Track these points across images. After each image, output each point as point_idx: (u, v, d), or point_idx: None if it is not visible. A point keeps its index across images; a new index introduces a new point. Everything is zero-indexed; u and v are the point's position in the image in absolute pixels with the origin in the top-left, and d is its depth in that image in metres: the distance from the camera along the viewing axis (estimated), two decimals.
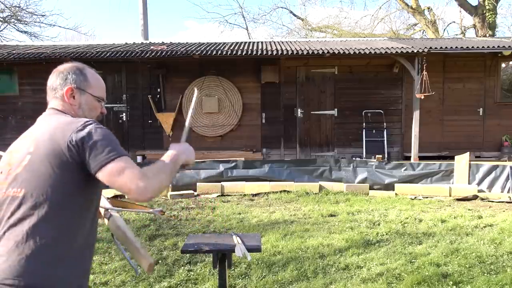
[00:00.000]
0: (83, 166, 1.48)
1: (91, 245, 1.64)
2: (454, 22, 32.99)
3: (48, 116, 1.63)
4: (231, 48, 10.00)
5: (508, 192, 7.41)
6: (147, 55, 9.42)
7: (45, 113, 1.66)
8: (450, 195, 7.49)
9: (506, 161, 9.32)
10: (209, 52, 9.45)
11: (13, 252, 1.41)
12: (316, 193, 7.59)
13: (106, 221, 1.93)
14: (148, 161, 9.58)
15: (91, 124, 1.52)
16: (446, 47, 9.51)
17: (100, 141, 1.48)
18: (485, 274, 3.88)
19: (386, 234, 5.12)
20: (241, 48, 10.05)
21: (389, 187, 7.90)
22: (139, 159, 10.01)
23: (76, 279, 1.52)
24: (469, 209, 6.49)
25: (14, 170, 1.51)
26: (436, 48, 9.42)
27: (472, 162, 7.99)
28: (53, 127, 1.53)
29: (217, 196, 7.57)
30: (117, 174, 1.46)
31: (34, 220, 1.45)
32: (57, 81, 1.67)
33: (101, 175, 1.47)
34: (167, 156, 1.63)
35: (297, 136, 10.50)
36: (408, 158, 9.61)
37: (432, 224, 5.59)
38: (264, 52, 9.60)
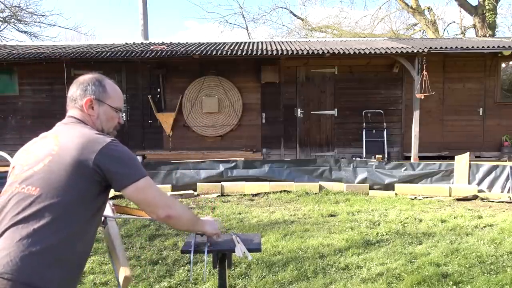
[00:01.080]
0: (103, 182, 1.58)
1: (88, 253, 1.68)
2: (454, 22, 33.04)
3: (70, 124, 1.69)
4: (231, 48, 10.00)
5: (508, 192, 7.41)
6: (147, 55, 9.42)
7: (65, 121, 1.72)
8: (450, 195, 7.49)
9: (506, 161, 9.32)
10: (209, 52, 9.45)
11: (17, 247, 1.42)
12: (316, 193, 7.59)
13: (101, 228, 1.95)
14: (148, 161, 9.58)
15: (115, 144, 1.61)
16: (446, 47, 9.51)
17: (124, 161, 1.59)
18: (485, 274, 3.88)
19: (386, 234, 5.12)
20: (241, 48, 10.05)
21: (389, 187, 7.91)
22: (139, 159, 9.99)
23: (71, 283, 1.55)
24: (469, 209, 6.48)
25: (32, 167, 1.55)
26: (436, 48, 9.42)
27: (472, 162, 8.00)
28: (78, 137, 1.59)
29: (217, 196, 7.57)
30: (144, 191, 1.62)
31: (44, 220, 1.47)
32: (77, 92, 1.73)
33: (128, 192, 1.60)
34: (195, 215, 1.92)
35: (297, 136, 10.50)
36: (408, 158, 9.61)
37: (432, 224, 5.58)
38: (264, 52, 9.60)
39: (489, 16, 17.60)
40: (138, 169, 1.62)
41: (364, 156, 9.91)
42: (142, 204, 1.66)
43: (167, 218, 1.68)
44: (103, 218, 1.94)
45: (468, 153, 8.11)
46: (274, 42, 11.85)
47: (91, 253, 4.52)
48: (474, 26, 18.73)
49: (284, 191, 7.70)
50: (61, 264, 1.49)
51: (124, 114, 10.50)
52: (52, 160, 1.53)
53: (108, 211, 1.97)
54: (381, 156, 9.45)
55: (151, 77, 10.42)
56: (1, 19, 20.40)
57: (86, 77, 1.75)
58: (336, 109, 10.44)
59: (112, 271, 4.08)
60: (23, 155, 1.64)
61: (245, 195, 7.62)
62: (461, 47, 9.60)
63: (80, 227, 1.55)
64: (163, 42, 11.95)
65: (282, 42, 11.84)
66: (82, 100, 1.71)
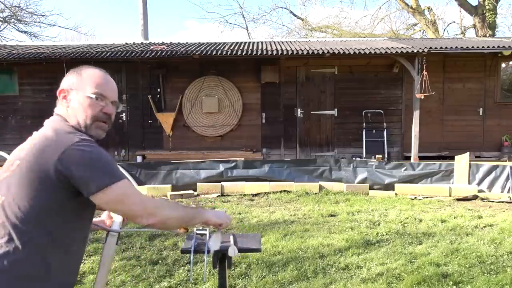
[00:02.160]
0: (72, 188, 1.39)
1: (75, 264, 1.52)
2: (454, 22, 33.01)
3: (48, 122, 1.55)
4: (231, 48, 10.00)
5: (508, 192, 7.41)
6: (147, 55, 9.42)
7: (50, 118, 1.60)
8: (450, 195, 7.49)
9: (506, 161, 9.31)
10: (209, 52, 9.45)
11: None
12: (316, 193, 7.59)
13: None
14: (148, 161, 9.59)
15: (82, 144, 1.40)
16: (446, 47, 9.51)
17: (91, 164, 1.38)
18: (485, 274, 3.88)
19: (386, 234, 5.12)
20: (241, 48, 10.05)
21: (389, 187, 7.90)
22: (139, 159, 10.01)
23: None
24: (469, 209, 6.48)
25: (4, 173, 1.44)
26: (436, 48, 9.42)
27: (472, 162, 7.99)
28: (40, 138, 1.44)
29: (217, 196, 7.57)
30: (117, 199, 1.42)
31: (8, 233, 1.36)
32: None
33: (97, 201, 1.41)
34: (193, 208, 1.69)
35: (297, 136, 10.50)
36: (408, 158, 9.61)
37: (432, 224, 5.58)
38: (264, 52, 9.60)
39: (489, 16, 17.60)
40: (109, 173, 1.40)
41: (364, 156, 9.91)
42: (118, 213, 1.50)
43: (152, 226, 1.50)
44: (108, 232, 1.82)
45: (468, 153, 8.11)
46: (274, 42, 11.85)
47: (91, 253, 4.53)
48: (474, 26, 18.73)
49: (284, 191, 7.70)
50: (32, 280, 1.36)
51: (124, 114, 10.50)
52: (19, 165, 1.40)
53: (116, 223, 1.82)
54: (381, 156, 9.46)
55: (151, 77, 10.42)
56: (1, 19, 20.40)
57: (68, 73, 1.63)
58: (336, 109, 10.44)
59: (112, 271, 4.08)
60: (9, 158, 1.52)
61: (245, 195, 7.62)
62: (461, 47, 9.60)
63: (51, 239, 1.39)
64: (163, 42, 11.95)
65: (282, 42, 11.84)
66: (58, 91, 1.58)
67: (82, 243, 1.54)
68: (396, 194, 7.62)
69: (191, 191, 7.71)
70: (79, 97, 1.55)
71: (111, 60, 9.85)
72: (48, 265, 1.39)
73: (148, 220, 1.46)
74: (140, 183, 7.96)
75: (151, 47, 10.29)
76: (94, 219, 1.81)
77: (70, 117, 1.55)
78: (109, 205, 1.45)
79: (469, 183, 7.81)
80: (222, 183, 7.94)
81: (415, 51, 9.12)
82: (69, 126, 1.51)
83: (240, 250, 2.45)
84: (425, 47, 9.23)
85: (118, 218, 1.78)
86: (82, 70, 1.60)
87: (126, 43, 12.00)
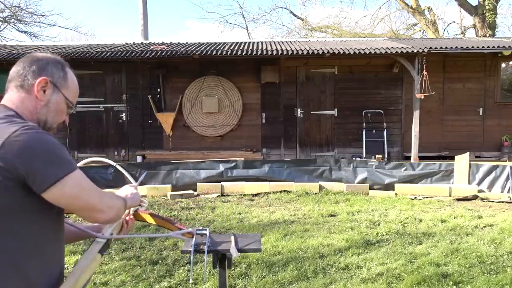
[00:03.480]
0: (19, 185, 1.20)
1: (50, 270, 1.32)
2: (454, 22, 33.03)
3: None
4: (231, 48, 10.00)
5: (508, 192, 7.41)
6: (147, 55, 9.42)
7: None
8: (450, 195, 7.49)
9: (506, 161, 9.32)
10: (209, 52, 9.45)
11: None
12: (316, 193, 7.59)
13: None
14: (148, 161, 9.59)
15: (23, 131, 1.20)
16: (446, 47, 9.51)
17: (37, 154, 1.19)
18: (485, 274, 3.88)
19: (386, 234, 5.12)
20: (241, 48, 10.05)
21: (389, 187, 7.90)
22: (139, 159, 10.01)
23: None
24: (469, 209, 6.49)
25: None
26: (436, 48, 9.42)
27: (472, 162, 7.99)
28: None
29: (217, 196, 7.57)
30: (71, 192, 1.23)
31: None
32: (30, 68, 1.36)
33: (49, 197, 1.21)
34: (120, 196, 1.50)
35: (297, 136, 10.50)
36: (408, 158, 9.61)
37: (432, 224, 5.59)
38: (264, 52, 9.60)
39: (489, 16, 17.60)
40: (59, 164, 1.22)
41: (364, 156, 9.91)
42: (72, 209, 1.29)
43: (109, 221, 1.36)
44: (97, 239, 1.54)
45: (468, 153, 8.11)
46: (274, 42, 11.85)
47: None
48: (474, 26, 18.74)
49: (284, 191, 7.70)
50: None
51: (124, 114, 10.51)
52: None
53: (108, 230, 1.57)
54: (381, 156, 9.46)
55: (151, 77, 10.42)
56: (1, 19, 20.40)
57: (46, 55, 1.42)
58: (336, 109, 10.44)
59: (112, 271, 4.08)
60: None
61: (245, 195, 7.62)
62: (461, 47, 9.60)
63: (21, 245, 1.22)
64: (163, 42, 11.95)
65: (282, 42, 11.84)
66: (35, 78, 1.35)
67: (58, 242, 1.35)
68: (396, 194, 7.62)
69: (191, 191, 7.71)
70: (59, 98, 1.40)
71: (111, 60, 9.86)
72: (26, 276, 1.23)
73: (108, 215, 1.32)
74: (140, 183, 7.95)
75: (151, 47, 10.29)
76: (89, 224, 1.60)
77: (35, 111, 1.35)
78: (63, 200, 1.24)
79: (469, 183, 7.81)
80: (222, 183, 7.94)
81: (415, 51, 9.12)
82: (12, 119, 1.27)
83: (240, 250, 2.45)
84: (425, 47, 9.23)
85: (113, 225, 1.57)
86: (67, 69, 1.44)
87: (126, 43, 12.00)
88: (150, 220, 1.73)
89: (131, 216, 1.65)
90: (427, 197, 7.41)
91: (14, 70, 1.40)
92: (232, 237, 2.60)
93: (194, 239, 2.62)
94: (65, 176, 1.22)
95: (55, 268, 1.34)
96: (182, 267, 4.16)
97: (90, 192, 1.29)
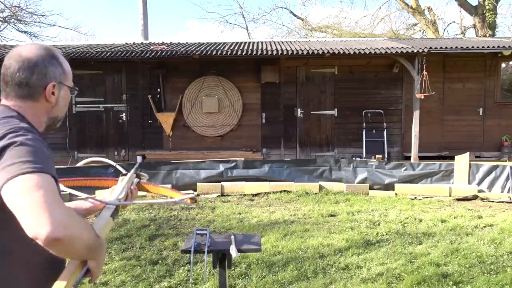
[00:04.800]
0: None
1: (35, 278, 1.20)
2: (454, 22, 33.00)
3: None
4: (231, 48, 10.00)
5: (508, 192, 7.41)
6: (147, 55, 9.42)
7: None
8: (450, 195, 7.49)
9: (506, 161, 9.32)
10: (209, 52, 9.45)
11: None
12: (316, 193, 7.59)
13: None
14: (148, 161, 9.59)
15: (12, 133, 1.12)
16: (446, 47, 9.51)
17: (15, 150, 1.08)
18: (485, 274, 3.89)
19: (386, 234, 5.12)
20: (241, 48, 10.05)
21: (389, 187, 7.90)
22: (139, 159, 10.01)
23: None
24: (469, 209, 6.49)
25: None
26: (436, 48, 9.42)
27: (472, 162, 7.99)
28: None
29: (217, 196, 7.57)
30: (26, 192, 1.01)
31: None
32: (31, 76, 1.27)
33: (5, 194, 1.04)
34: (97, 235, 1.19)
35: (297, 136, 10.50)
36: (408, 158, 9.61)
37: (432, 224, 5.59)
38: (264, 52, 9.60)
39: (489, 16, 17.60)
40: (22, 163, 1.05)
41: (364, 156, 9.91)
42: (19, 215, 1.02)
43: (53, 243, 1.00)
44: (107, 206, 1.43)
45: (468, 153, 8.10)
46: (274, 42, 11.85)
47: None
48: (474, 26, 18.74)
49: (284, 191, 7.70)
50: None
51: (124, 114, 10.51)
52: None
53: (114, 195, 1.50)
54: (381, 156, 9.45)
55: (151, 77, 10.42)
56: (1, 19, 20.40)
57: (36, 53, 1.29)
58: (336, 109, 10.44)
59: (112, 271, 4.08)
60: None
61: (245, 195, 7.62)
62: (461, 47, 9.60)
63: (6, 254, 1.15)
64: (163, 42, 11.95)
65: (282, 42, 11.85)
66: (41, 87, 1.28)
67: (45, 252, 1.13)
68: (396, 194, 7.62)
69: (191, 191, 7.71)
70: (64, 91, 1.36)
71: (111, 60, 9.86)
72: None
73: (54, 232, 0.98)
74: (135, 173, 7.95)
75: (151, 47, 10.29)
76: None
77: (40, 116, 1.30)
78: (18, 195, 1.02)
79: (469, 183, 7.81)
80: (222, 183, 7.94)
81: (415, 51, 9.12)
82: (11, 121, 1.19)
83: (240, 250, 2.46)
84: (425, 47, 9.23)
85: (118, 189, 1.53)
86: (58, 56, 1.35)
87: (126, 43, 12.00)
88: (152, 189, 1.71)
89: (135, 186, 1.60)
90: (427, 197, 7.41)
91: (7, 73, 1.27)
92: (232, 237, 2.60)
93: (194, 238, 2.63)
94: (20, 175, 1.03)
95: (44, 277, 1.21)
96: (182, 267, 4.16)
97: (44, 197, 1.01)
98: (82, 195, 1.53)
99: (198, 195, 7.67)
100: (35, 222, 0.99)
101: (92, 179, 1.70)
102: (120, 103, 10.51)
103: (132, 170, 1.63)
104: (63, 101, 1.36)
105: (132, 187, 1.58)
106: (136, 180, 1.63)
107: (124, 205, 1.50)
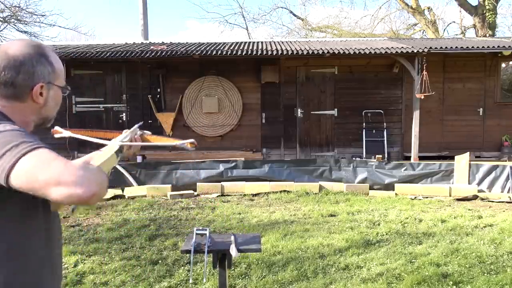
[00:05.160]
0: None
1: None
2: (454, 22, 33.01)
3: None
4: (231, 48, 10.00)
5: (508, 192, 7.41)
6: (147, 55, 9.43)
7: None
8: (450, 195, 7.48)
9: (506, 161, 9.31)
10: (209, 52, 9.45)
11: None
12: (316, 193, 7.59)
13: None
14: (148, 161, 9.59)
15: None
16: (446, 47, 9.51)
17: (2, 137, 1.05)
18: (485, 274, 3.89)
19: (386, 234, 5.12)
20: (241, 48, 10.05)
21: (389, 187, 7.90)
22: (139, 159, 10.01)
23: None
24: (469, 209, 6.49)
25: None
26: (436, 48, 9.42)
27: (472, 162, 7.99)
28: None
29: (217, 196, 7.57)
30: (41, 167, 1.00)
31: None
32: (17, 75, 1.21)
33: (16, 180, 1.01)
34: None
35: (297, 136, 10.50)
36: (408, 158, 9.61)
37: (432, 224, 5.59)
38: (264, 52, 9.60)
39: (489, 16, 17.60)
40: (15, 146, 1.04)
41: (364, 156, 9.91)
42: (37, 189, 1.01)
43: (92, 196, 1.02)
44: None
45: (468, 153, 8.11)
46: (274, 42, 11.85)
47: (91, 253, 4.53)
48: (474, 26, 18.74)
49: (284, 191, 7.70)
50: None
51: (124, 114, 10.50)
52: None
53: (119, 138, 1.55)
54: (381, 156, 9.46)
55: (151, 77, 10.42)
56: (1, 19, 20.40)
57: (22, 50, 1.22)
58: (336, 109, 10.44)
59: (112, 271, 4.08)
60: None
61: (245, 195, 7.62)
62: (461, 47, 9.60)
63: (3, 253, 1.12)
64: (163, 42, 11.96)
65: (282, 42, 11.85)
66: (27, 87, 1.22)
67: (44, 251, 1.21)
68: (396, 194, 7.62)
69: (191, 191, 7.71)
70: (54, 92, 1.30)
71: (111, 60, 9.86)
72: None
73: (90, 188, 1.01)
74: (140, 183, 7.96)
75: (151, 47, 10.29)
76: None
77: (28, 117, 1.26)
78: (33, 174, 1.00)
79: (469, 183, 7.81)
80: (222, 183, 7.94)
81: (415, 51, 9.12)
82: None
83: (240, 250, 2.46)
84: (425, 47, 9.23)
85: (122, 135, 1.58)
86: (48, 54, 1.28)
87: (126, 43, 12.00)
88: (154, 140, 1.75)
89: (138, 137, 1.64)
90: (427, 197, 7.41)
91: None
92: (232, 237, 2.60)
93: (194, 239, 2.63)
94: (22, 156, 1.01)
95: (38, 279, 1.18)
96: (182, 267, 4.16)
97: (60, 163, 1.01)
98: (93, 139, 1.57)
99: (198, 195, 7.67)
100: (67, 188, 0.99)
101: (98, 131, 1.73)
102: (120, 103, 10.51)
103: (136, 125, 1.68)
104: (52, 101, 1.30)
105: (135, 137, 1.61)
106: (139, 132, 1.69)
107: (127, 146, 1.54)
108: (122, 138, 1.57)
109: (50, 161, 1.01)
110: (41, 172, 0.99)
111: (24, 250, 1.15)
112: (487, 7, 17.57)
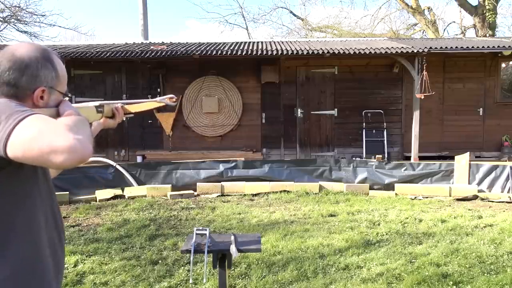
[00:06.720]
0: None
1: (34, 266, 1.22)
2: (454, 22, 32.98)
3: None
4: (231, 48, 10.00)
5: (508, 192, 7.41)
6: (147, 55, 9.42)
7: None
8: (450, 195, 7.48)
9: (506, 161, 9.31)
10: (209, 52, 9.45)
11: None
12: (316, 193, 7.59)
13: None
14: (148, 161, 9.59)
15: None
16: (446, 47, 9.51)
17: None
18: (485, 274, 3.89)
19: (386, 234, 5.12)
20: (241, 48, 10.05)
21: (389, 187, 7.90)
22: (139, 159, 10.01)
23: None
24: (469, 209, 6.49)
25: None
26: (436, 48, 9.42)
27: (472, 162, 7.99)
28: None
29: (217, 196, 7.57)
30: (34, 135, 1.01)
31: None
32: (21, 76, 1.24)
33: (13, 150, 1.03)
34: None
35: (297, 136, 10.50)
36: (408, 158, 9.61)
37: (432, 224, 5.59)
38: (264, 52, 9.60)
39: (489, 16, 17.60)
40: (19, 110, 1.07)
41: (364, 156, 9.90)
42: (35, 158, 1.02)
43: (90, 153, 1.06)
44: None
45: (468, 153, 8.10)
46: (274, 42, 11.85)
47: (91, 253, 4.53)
48: (474, 26, 18.74)
49: (284, 191, 7.70)
50: None
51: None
52: None
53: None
54: (381, 156, 9.45)
55: (151, 77, 10.42)
56: (1, 19, 20.40)
57: (28, 53, 1.25)
58: (336, 109, 10.44)
59: (112, 271, 4.08)
60: None
61: (245, 195, 7.62)
62: (461, 47, 9.60)
63: None
64: (163, 42, 11.95)
65: (282, 42, 11.84)
66: (29, 89, 1.24)
67: (30, 235, 1.23)
68: (396, 194, 7.62)
69: (191, 191, 7.71)
70: (55, 96, 1.32)
71: (111, 60, 9.86)
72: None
73: (85, 146, 1.04)
74: (140, 183, 7.96)
75: (151, 47, 10.29)
76: None
77: None
78: (28, 142, 1.01)
79: (469, 183, 7.81)
80: (222, 183, 7.93)
81: (415, 51, 9.12)
82: None
83: (240, 250, 2.46)
84: (425, 47, 9.23)
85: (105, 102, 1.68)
86: (54, 60, 1.31)
87: (126, 43, 12.00)
88: (135, 108, 1.84)
89: (119, 106, 1.71)
90: (427, 197, 7.41)
91: None
92: (232, 237, 2.60)
93: (194, 238, 2.63)
94: (16, 125, 1.03)
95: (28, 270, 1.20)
96: (182, 267, 4.16)
97: (55, 122, 1.06)
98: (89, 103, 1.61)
99: (198, 195, 7.67)
100: (63, 155, 1.00)
101: (143, 102, 1.90)
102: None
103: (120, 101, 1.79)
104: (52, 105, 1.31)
105: (117, 106, 1.71)
106: (120, 104, 1.78)
107: (107, 104, 1.62)
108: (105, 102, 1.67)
109: (43, 128, 1.02)
110: (35, 141, 1.00)
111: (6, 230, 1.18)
112: (487, 7, 17.57)
